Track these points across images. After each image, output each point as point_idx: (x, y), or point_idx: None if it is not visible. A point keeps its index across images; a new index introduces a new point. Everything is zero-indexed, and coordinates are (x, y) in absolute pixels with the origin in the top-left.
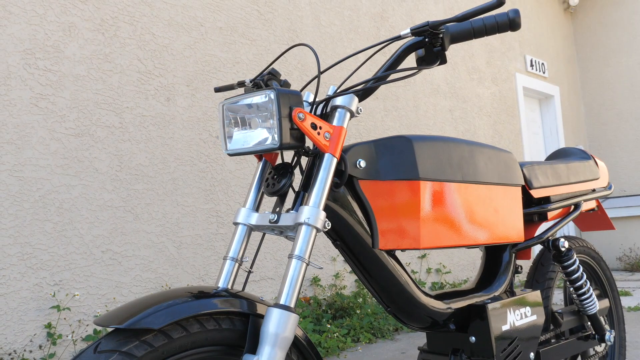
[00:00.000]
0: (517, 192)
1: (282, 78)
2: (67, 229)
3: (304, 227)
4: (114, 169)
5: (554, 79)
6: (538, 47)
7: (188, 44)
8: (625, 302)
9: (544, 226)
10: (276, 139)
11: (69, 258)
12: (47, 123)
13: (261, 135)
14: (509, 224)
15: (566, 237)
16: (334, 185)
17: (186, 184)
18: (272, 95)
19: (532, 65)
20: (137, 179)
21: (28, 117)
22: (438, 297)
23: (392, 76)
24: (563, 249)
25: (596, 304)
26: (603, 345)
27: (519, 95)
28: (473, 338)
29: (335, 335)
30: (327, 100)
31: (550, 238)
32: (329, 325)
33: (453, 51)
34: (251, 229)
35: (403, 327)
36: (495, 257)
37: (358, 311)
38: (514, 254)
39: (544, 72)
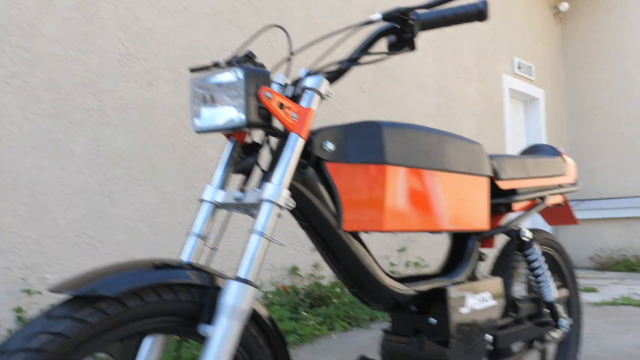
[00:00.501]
0: (485, 183)
1: (258, 61)
2: (40, 212)
3: (266, 204)
4: (91, 152)
5: (540, 82)
6: (526, 50)
7: (172, 28)
8: (591, 298)
9: (510, 217)
10: (243, 117)
11: (41, 242)
12: (20, 102)
13: (229, 113)
14: (474, 213)
15: (531, 230)
16: (301, 166)
17: (166, 170)
18: (240, 74)
19: (519, 68)
20: (115, 164)
21: None
22: (402, 280)
23: (364, 61)
24: (526, 240)
25: (554, 292)
26: (559, 331)
27: (505, 96)
28: (433, 320)
29: (310, 322)
30: (298, 82)
31: (514, 228)
32: (305, 313)
33: (442, 49)
34: (217, 206)
35: (378, 316)
36: (461, 245)
37: (335, 300)
38: (478, 242)
39: (530, 75)
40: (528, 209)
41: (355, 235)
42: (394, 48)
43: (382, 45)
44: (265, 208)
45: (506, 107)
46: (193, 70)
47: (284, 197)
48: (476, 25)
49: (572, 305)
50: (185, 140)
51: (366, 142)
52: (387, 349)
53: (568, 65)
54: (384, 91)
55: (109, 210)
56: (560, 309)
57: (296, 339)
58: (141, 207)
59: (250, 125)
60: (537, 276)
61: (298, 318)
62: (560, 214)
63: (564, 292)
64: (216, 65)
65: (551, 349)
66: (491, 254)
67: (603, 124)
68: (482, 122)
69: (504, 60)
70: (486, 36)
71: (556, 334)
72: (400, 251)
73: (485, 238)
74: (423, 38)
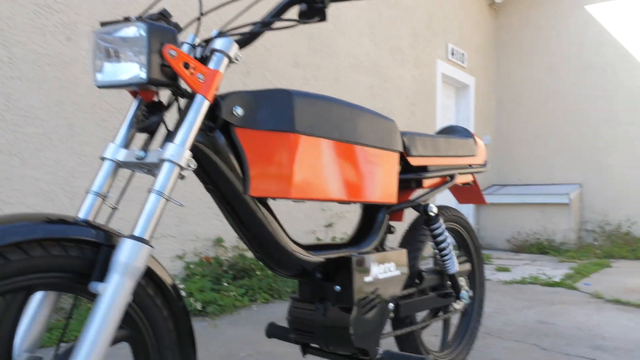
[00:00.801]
0: (395, 158)
1: (173, 20)
2: None
3: (166, 164)
4: None
5: (472, 70)
6: (461, 37)
7: None
8: (504, 277)
9: (419, 193)
10: (144, 73)
11: None
12: None
13: (132, 69)
14: (383, 186)
15: (439, 206)
16: (209, 130)
17: (84, 132)
18: (143, 29)
19: (452, 54)
20: (26, 121)
21: None
22: (310, 248)
23: (275, 26)
24: (432, 214)
25: (456, 266)
26: (460, 302)
27: (438, 81)
28: (338, 287)
29: (232, 294)
30: (207, 43)
31: (422, 203)
32: (227, 285)
33: (378, 29)
34: (119, 165)
35: None
36: (371, 217)
37: (259, 272)
38: (387, 215)
39: (463, 62)
40: (437, 186)
41: (262, 201)
42: (304, 17)
43: (294, 12)
44: (165, 167)
45: (438, 91)
46: (104, 24)
47: (186, 157)
48: (413, 9)
49: (475, 279)
50: (106, 101)
51: (277, 109)
52: (293, 316)
53: (499, 55)
54: (318, 67)
55: (19, 171)
56: (462, 281)
57: (216, 309)
58: (55, 169)
59: (151, 82)
60: (441, 250)
61: (220, 289)
62: (469, 193)
63: (468, 266)
64: (127, 20)
65: (454, 319)
66: (402, 227)
67: (527, 114)
68: (414, 105)
69: (438, 46)
70: (423, 21)
71: (458, 305)
72: (327, 227)
73: (394, 211)
74: (359, 17)
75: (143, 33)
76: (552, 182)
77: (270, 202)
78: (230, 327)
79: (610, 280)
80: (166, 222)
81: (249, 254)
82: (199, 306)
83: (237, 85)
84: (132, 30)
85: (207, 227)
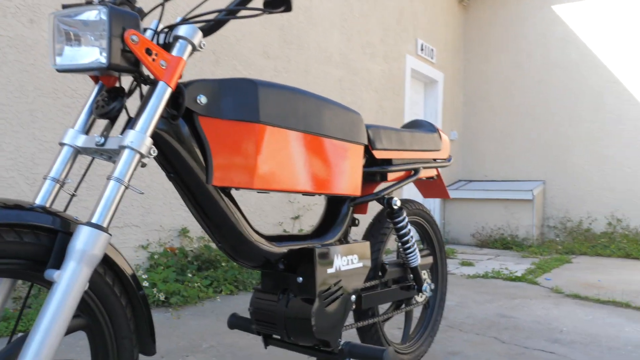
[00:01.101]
0: (359, 150)
1: (137, 5)
2: None
3: (126, 151)
4: None
5: (440, 66)
6: (430, 33)
7: None
8: (467, 271)
9: (383, 186)
10: (104, 58)
11: None
12: None
13: (92, 53)
14: (347, 179)
15: (402, 200)
16: (172, 117)
17: (46, 117)
18: (104, 13)
19: (422, 50)
20: None
21: None
22: (273, 239)
23: (240, 14)
24: (395, 207)
25: (418, 259)
26: (422, 295)
27: (407, 76)
28: (300, 279)
29: (196, 285)
30: (171, 29)
31: (385, 196)
32: (191, 275)
33: (349, 23)
34: (78, 151)
35: None
36: (335, 209)
37: (224, 264)
38: (351, 208)
39: (432, 58)
40: (401, 180)
41: (225, 191)
42: (269, 6)
43: (260, 1)
44: (124, 154)
45: (407, 86)
46: (65, 6)
47: (147, 145)
48: (384, 3)
49: (438, 272)
50: (70, 87)
51: (241, 99)
52: (255, 307)
53: (467, 52)
54: (288, 58)
55: None
56: (424, 274)
57: (180, 300)
58: (15, 155)
59: (112, 68)
60: (404, 243)
61: (184, 280)
62: (434, 187)
63: (430, 260)
64: (89, 3)
65: (416, 312)
66: (367, 220)
67: (493, 111)
68: (383, 99)
69: (408, 41)
70: (393, 15)
71: (420, 298)
72: (294, 219)
73: (358, 204)
74: (331, 10)
75: (104, 17)
76: (516, 178)
77: (238, 195)
78: (193, 318)
79: (570, 276)
80: (130, 211)
81: (215, 245)
82: (162, 297)
83: (206, 75)
84: (93, 14)
85: (173, 217)
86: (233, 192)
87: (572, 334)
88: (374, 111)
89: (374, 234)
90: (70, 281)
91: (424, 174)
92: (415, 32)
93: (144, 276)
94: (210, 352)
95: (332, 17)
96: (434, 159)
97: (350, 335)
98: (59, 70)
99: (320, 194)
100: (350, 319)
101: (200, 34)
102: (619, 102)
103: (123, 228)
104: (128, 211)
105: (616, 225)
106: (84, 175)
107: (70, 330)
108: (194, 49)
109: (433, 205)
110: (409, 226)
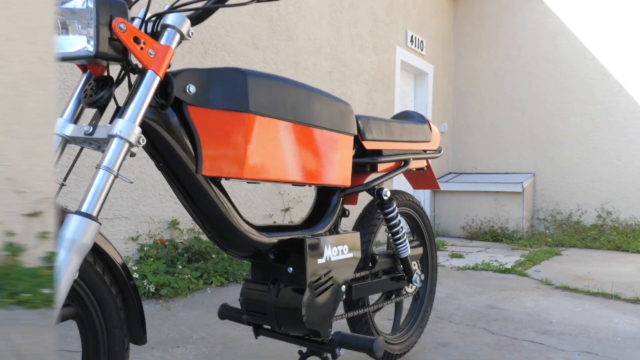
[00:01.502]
0: (349, 141)
1: None
2: None
3: (115, 140)
4: None
5: (430, 58)
6: (420, 24)
7: None
8: (457, 263)
9: (373, 177)
10: (92, 47)
11: None
12: None
13: (79, 42)
14: (337, 169)
15: (392, 190)
16: (160, 107)
17: None
18: (91, 1)
19: (412, 41)
20: None
21: None
22: (263, 230)
23: (230, 3)
24: (385, 198)
25: (408, 249)
26: (412, 286)
27: (397, 67)
28: (291, 269)
29: (186, 276)
30: (159, 18)
31: (376, 187)
32: (181, 267)
33: (339, 14)
34: (67, 140)
35: None
36: (325, 200)
37: (214, 256)
38: (341, 198)
39: (422, 50)
40: (391, 171)
41: (214, 181)
42: None
43: None
44: (113, 143)
45: (397, 78)
46: None
47: (135, 134)
48: None
49: (428, 263)
50: (59, 79)
51: (230, 88)
52: (246, 297)
53: (457, 44)
54: (278, 49)
55: None
56: (414, 265)
57: (170, 292)
58: None
59: (99, 56)
60: (394, 234)
61: (174, 272)
62: (424, 179)
63: (420, 250)
64: None
65: (406, 303)
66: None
67: (483, 104)
68: (372, 91)
69: (397, 32)
70: (382, 6)
71: (410, 289)
72: (284, 211)
73: (349, 195)
74: (320, 1)
75: (91, 5)
76: (506, 170)
77: (229, 185)
78: (183, 310)
79: (560, 268)
80: (120, 203)
81: (205, 237)
82: (152, 288)
83: (195, 66)
84: (80, 2)
85: (163, 209)
86: (223, 182)
87: (561, 325)
88: (364, 103)
89: (364, 225)
90: (59, 270)
91: (414, 165)
92: (404, 24)
93: (134, 268)
94: (200, 343)
95: (321, 8)
96: (424, 150)
97: (340, 325)
98: None
99: (310, 185)
100: (340, 309)
101: (188, 22)
102: (609, 94)
103: (113, 220)
104: (117, 203)
105: (606, 218)
106: (73, 164)
107: (60, 319)
108: (182, 37)
109: (423, 198)
110: (399, 217)
